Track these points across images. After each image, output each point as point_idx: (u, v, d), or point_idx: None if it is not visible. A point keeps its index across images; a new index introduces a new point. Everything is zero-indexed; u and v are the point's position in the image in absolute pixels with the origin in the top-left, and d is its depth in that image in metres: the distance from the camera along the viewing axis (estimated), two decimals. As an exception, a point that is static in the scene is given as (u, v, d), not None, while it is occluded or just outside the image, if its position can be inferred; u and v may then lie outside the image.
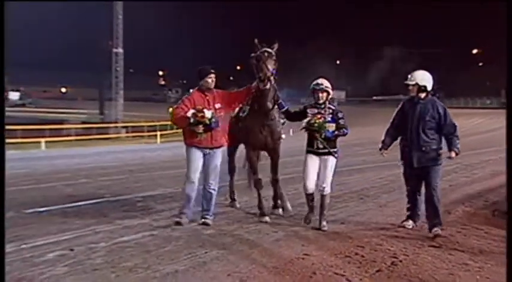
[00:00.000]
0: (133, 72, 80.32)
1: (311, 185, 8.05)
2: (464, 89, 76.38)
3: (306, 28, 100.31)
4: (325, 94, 7.95)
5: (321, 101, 7.96)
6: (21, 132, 27.56)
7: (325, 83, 7.98)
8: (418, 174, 7.92)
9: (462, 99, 75.59)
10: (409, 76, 7.86)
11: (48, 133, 28.81)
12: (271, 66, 8.05)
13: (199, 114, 7.75)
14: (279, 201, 9.23)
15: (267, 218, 8.57)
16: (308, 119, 7.94)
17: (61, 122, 38.71)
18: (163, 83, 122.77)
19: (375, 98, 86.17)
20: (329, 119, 7.88)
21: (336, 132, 7.87)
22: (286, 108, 8.39)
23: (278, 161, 8.90)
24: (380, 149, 8.38)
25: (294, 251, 6.98)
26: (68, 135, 31.63)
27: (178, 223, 8.07)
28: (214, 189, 8.31)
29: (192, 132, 7.95)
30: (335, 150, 8.00)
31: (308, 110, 8.05)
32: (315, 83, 8.02)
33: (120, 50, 39.77)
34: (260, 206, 8.80)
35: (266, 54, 8.10)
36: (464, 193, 11.47)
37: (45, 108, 61.65)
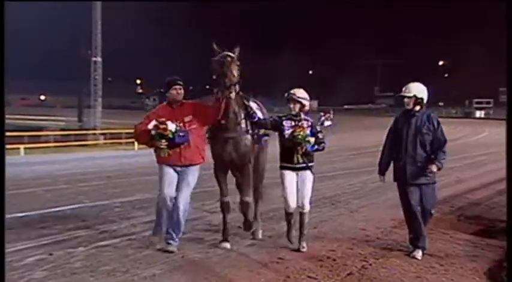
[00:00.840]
0: (112, 81, 79.94)
1: (293, 204, 7.11)
2: (430, 99, 77.10)
3: (280, 37, 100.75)
4: (297, 105, 7.03)
5: (294, 112, 7.03)
6: None
7: (297, 93, 7.07)
8: (414, 191, 7.03)
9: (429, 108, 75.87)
10: (404, 88, 7.09)
11: (27, 140, 28.40)
12: (235, 71, 6.81)
13: (162, 126, 6.59)
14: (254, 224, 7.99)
15: (227, 245, 7.33)
16: (291, 130, 6.90)
17: (40, 128, 38.28)
18: (140, 91, 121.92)
19: (346, 107, 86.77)
20: (308, 132, 6.91)
21: (316, 147, 6.97)
22: (256, 119, 7.14)
23: (248, 180, 7.48)
24: (379, 174, 7.44)
25: (269, 255, 7.02)
26: (47, 142, 31.19)
27: (151, 243, 7.28)
28: (182, 208, 6.95)
29: (159, 149, 6.83)
30: (312, 164, 7.17)
31: (284, 122, 7.03)
32: (288, 92, 7.09)
33: (99, 59, 39.46)
34: (224, 232, 7.50)
35: (229, 58, 6.83)
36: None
37: (24, 115, 60.82)
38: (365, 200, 11.48)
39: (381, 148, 7.61)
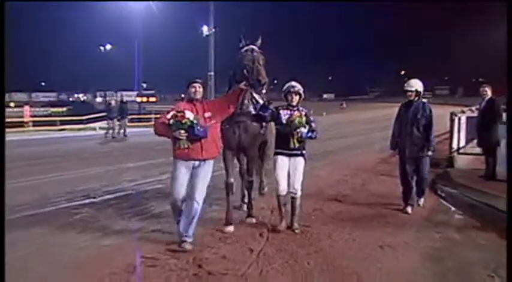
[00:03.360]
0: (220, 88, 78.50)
1: (284, 186, 4.71)
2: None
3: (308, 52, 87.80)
4: (297, 97, 4.78)
5: (294, 103, 4.77)
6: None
7: (298, 85, 4.81)
8: (410, 163, 5.57)
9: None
10: (406, 84, 5.63)
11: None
12: (263, 66, 4.49)
13: (179, 114, 4.13)
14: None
15: (231, 228, 4.67)
16: (287, 116, 4.69)
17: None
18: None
19: (350, 97, 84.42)
20: (303, 119, 4.73)
21: (310, 134, 4.69)
22: (268, 112, 4.74)
23: (255, 161, 5.05)
24: (390, 149, 5.86)
25: (309, 181, 5.27)
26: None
27: (184, 250, 4.10)
28: (198, 203, 4.18)
29: (178, 141, 4.19)
30: (305, 152, 4.80)
31: (281, 111, 4.75)
32: (288, 85, 4.83)
33: (212, 73, 36.91)
34: (227, 214, 4.76)
35: (256, 53, 4.54)
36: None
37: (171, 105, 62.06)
38: (367, 149, 11.51)
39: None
